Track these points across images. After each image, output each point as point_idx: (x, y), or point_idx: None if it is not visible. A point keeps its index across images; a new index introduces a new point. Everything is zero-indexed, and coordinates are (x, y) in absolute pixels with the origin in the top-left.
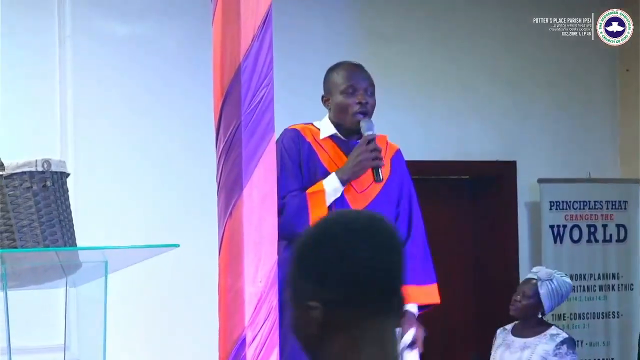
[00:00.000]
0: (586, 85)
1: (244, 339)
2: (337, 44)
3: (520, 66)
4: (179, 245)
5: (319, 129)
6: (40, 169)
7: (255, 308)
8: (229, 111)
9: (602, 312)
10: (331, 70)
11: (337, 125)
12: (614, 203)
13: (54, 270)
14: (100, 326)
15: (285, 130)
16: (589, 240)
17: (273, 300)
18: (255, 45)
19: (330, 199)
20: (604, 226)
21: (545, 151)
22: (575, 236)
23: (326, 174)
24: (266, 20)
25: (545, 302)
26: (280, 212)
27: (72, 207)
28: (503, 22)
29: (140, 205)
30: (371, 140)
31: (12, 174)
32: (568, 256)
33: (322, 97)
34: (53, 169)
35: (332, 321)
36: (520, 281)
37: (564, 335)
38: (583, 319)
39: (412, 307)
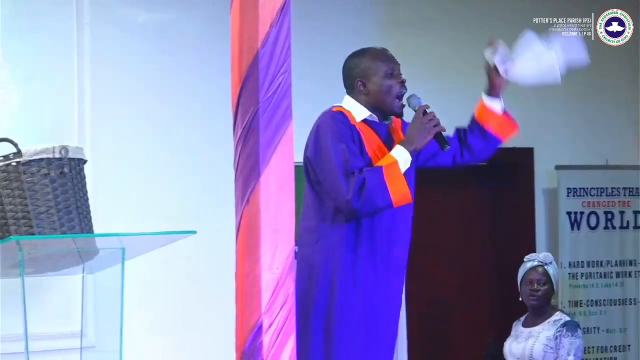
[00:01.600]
0: (605, 72)
1: (261, 326)
2: (355, 31)
3: None
4: (196, 232)
5: (350, 112)
6: (57, 155)
7: (272, 295)
8: (246, 98)
9: (619, 299)
10: (362, 55)
11: (374, 107)
12: (631, 190)
13: (71, 257)
14: (117, 313)
15: (332, 112)
16: (606, 227)
17: (290, 287)
18: (273, 31)
19: (403, 169)
20: (621, 213)
21: (563, 138)
22: (593, 223)
23: (367, 157)
24: (284, 7)
25: (555, 284)
26: (360, 188)
27: (89, 194)
28: (523, 10)
29: (157, 192)
30: (425, 110)
31: (29, 161)
32: (585, 243)
33: (357, 81)
34: (70, 155)
35: None
36: (520, 270)
37: (566, 318)
38: (600, 305)
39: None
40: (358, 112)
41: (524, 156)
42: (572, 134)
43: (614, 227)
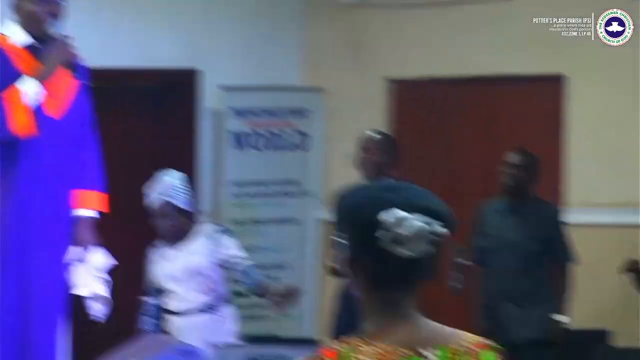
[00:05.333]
0: None
1: None
2: None
3: None
4: None
5: (3, 35)
6: None
7: None
8: None
9: (283, 218)
10: None
11: (28, 32)
12: (295, 111)
13: None
14: None
15: None
16: (270, 148)
17: None
18: None
19: (26, 98)
20: (286, 133)
21: (230, 59)
22: (258, 143)
23: (19, 75)
24: None
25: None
26: None
27: None
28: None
29: None
30: (66, 42)
31: None
32: (250, 163)
33: (14, 4)
34: None
35: None
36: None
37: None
38: (264, 224)
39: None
40: (15, 34)
41: (188, 77)
42: (240, 56)
43: (278, 148)
